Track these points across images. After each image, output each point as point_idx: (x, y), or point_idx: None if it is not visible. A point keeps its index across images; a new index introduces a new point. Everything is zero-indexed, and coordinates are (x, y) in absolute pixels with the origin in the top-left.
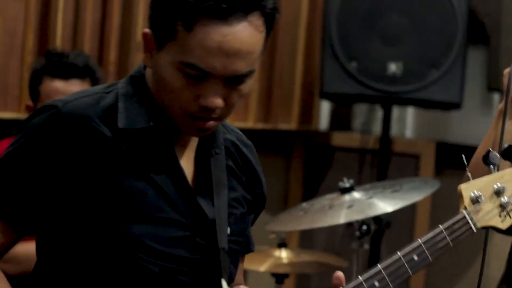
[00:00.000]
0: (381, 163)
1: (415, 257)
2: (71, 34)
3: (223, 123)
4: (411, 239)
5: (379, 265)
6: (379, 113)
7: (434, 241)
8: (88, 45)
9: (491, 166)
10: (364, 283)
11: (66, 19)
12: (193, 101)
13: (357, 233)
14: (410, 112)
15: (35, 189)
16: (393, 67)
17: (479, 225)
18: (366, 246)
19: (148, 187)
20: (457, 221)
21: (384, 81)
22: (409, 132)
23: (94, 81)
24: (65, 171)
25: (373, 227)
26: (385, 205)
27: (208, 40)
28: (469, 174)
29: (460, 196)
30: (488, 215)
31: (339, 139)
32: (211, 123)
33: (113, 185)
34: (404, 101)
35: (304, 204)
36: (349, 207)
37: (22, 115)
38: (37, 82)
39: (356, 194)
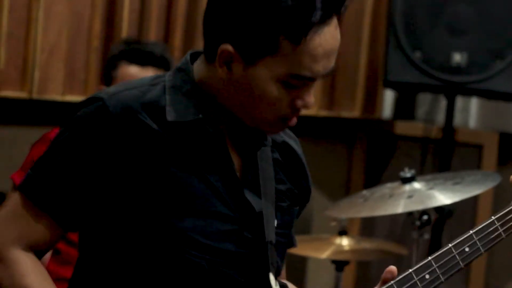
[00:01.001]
0: (444, 153)
1: (467, 249)
2: (137, 19)
3: None
4: None
5: (429, 257)
6: (443, 102)
7: (486, 232)
8: (154, 30)
9: None
10: (414, 276)
11: (132, 4)
12: (289, 105)
13: (418, 223)
14: (474, 102)
15: (80, 183)
16: (457, 57)
17: None
18: (426, 236)
19: (196, 181)
20: (509, 212)
21: (448, 71)
22: (472, 122)
23: None
24: (111, 165)
25: (433, 216)
26: (444, 197)
27: (316, 48)
28: None
29: None
30: None
31: (402, 128)
32: (296, 118)
33: (161, 178)
34: (468, 92)
35: (365, 192)
36: (409, 197)
37: None
38: (112, 66)
39: (416, 185)
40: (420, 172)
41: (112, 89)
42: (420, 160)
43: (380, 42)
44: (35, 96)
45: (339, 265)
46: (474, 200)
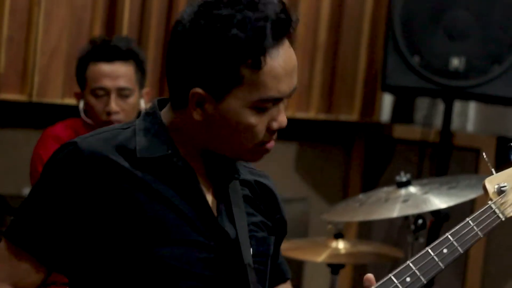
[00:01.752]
0: (442, 157)
1: (445, 250)
2: (137, 22)
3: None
4: None
5: (408, 262)
6: (441, 106)
7: (462, 233)
8: (154, 33)
9: None
10: (394, 279)
11: (132, 7)
12: (265, 130)
13: (412, 227)
14: (472, 106)
15: (61, 224)
16: (455, 62)
17: (506, 213)
18: (421, 240)
19: (170, 212)
20: (483, 212)
21: (446, 75)
22: (470, 126)
23: (138, 63)
24: (86, 204)
25: (429, 220)
26: (439, 201)
27: (276, 68)
28: (492, 169)
29: (485, 190)
30: None
31: (400, 131)
32: (273, 141)
33: (136, 213)
34: (466, 96)
35: (361, 196)
36: (404, 201)
37: None
38: (83, 68)
39: (412, 189)
40: (418, 176)
41: (85, 135)
42: (418, 163)
43: (379, 46)
44: (35, 99)
45: (334, 268)
46: (470, 203)
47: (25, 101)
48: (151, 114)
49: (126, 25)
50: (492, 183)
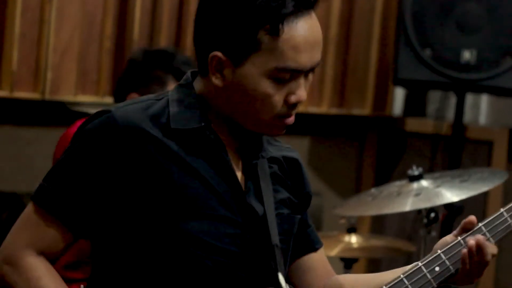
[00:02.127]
0: (454, 150)
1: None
2: (149, 20)
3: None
4: None
5: (438, 250)
6: (453, 99)
7: (496, 223)
8: (165, 31)
9: None
10: (423, 268)
11: (144, 6)
12: (283, 102)
13: (425, 220)
14: (485, 99)
15: (90, 191)
16: (467, 55)
17: None
18: (434, 234)
19: (200, 186)
20: (496, 218)
21: (457, 68)
22: (483, 119)
23: None
24: (118, 173)
25: (441, 213)
26: (451, 195)
27: (296, 38)
28: None
29: None
30: None
31: (413, 125)
32: (293, 117)
33: (166, 184)
34: (477, 89)
35: (373, 190)
36: (416, 195)
37: (100, 99)
38: (159, 81)
39: (424, 182)
40: (431, 169)
41: (120, 104)
42: (431, 157)
43: (390, 40)
44: (47, 97)
45: (347, 262)
46: (483, 196)
47: (38, 99)
48: (184, 86)
49: (138, 23)
50: None
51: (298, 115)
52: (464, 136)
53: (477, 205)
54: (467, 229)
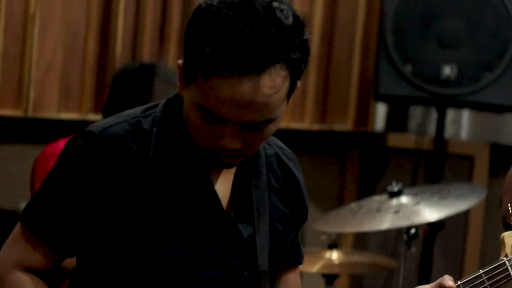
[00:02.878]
0: (436, 164)
1: None
2: (131, 36)
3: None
4: (463, 241)
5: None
6: (435, 114)
7: (473, 284)
8: (147, 48)
9: None
10: None
11: (126, 22)
12: (213, 140)
13: (405, 237)
14: (466, 114)
15: (76, 214)
16: (447, 70)
17: None
18: (414, 250)
19: (180, 210)
20: (497, 267)
21: (438, 84)
22: (464, 134)
23: None
24: (102, 194)
25: (422, 230)
26: (430, 213)
27: (221, 91)
28: None
29: (502, 243)
30: None
31: (395, 140)
32: (234, 159)
33: (147, 208)
34: (458, 104)
35: (353, 205)
36: (396, 212)
37: (83, 116)
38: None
39: (404, 199)
40: (413, 183)
41: (104, 122)
42: (412, 171)
43: (372, 55)
44: (30, 114)
45: (328, 278)
46: (465, 212)
47: (21, 116)
48: (172, 102)
49: (120, 39)
50: (510, 238)
51: (280, 131)
52: (446, 151)
53: (459, 220)
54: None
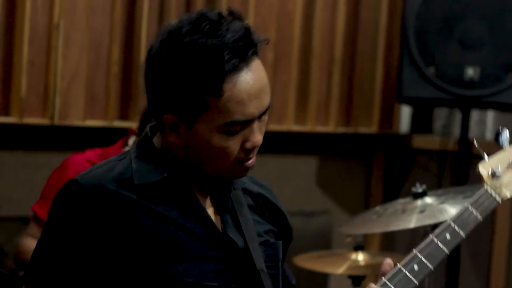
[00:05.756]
0: (461, 165)
1: (448, 236)
2: None
3: None
4: (490, 242)
5: (414, 250)
6: (459, 116)
7: (463, 217)
8: None
9: (504, 143)
10: (403, 269)
11: (150, 30)
12: (241, 148)
13: None
14: (491, 115)
15: (77, 263)
16: (470, 72)
17: (502, 196)
18: None
19: (177, 232)
20: (481, 196)
21: (461, 85)
22: (489, 135)
23: None
24: (97, 236)
25: None
26: (456, 211)
27: (238, 93)
28: (485, 154)
29: (479, 174)
30: (509, 186)
31: (420, 142)
32: (254, 159)
33: (145, 236)
34: (482, 105)
35: (378, 208)
36: (421, 211)
37: (109, 123)
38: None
39: (428, 199)
40: (439, 185)
41: (83, 171)
42: (438, 173)
43: (395, 57)
44: (56, 122)
45: (355, 280)
46: (491, 212)
47: (47, 124)
48: (143, 141)
49: (144, 48)
50: (485, 167)
51: (305, 135)
52: (471, 151)
53: (485, 221)
54: (386, 271)
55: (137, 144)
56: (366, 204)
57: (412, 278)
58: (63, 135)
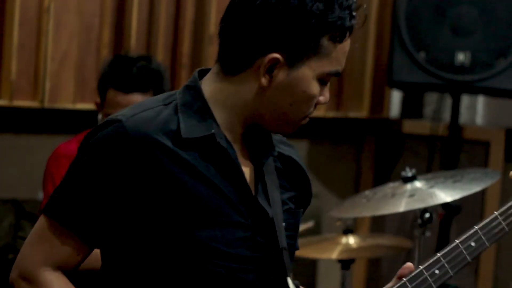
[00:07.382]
0: (451, 150)
1: (472, 244)
2: (145, 28)
3: None
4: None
5: (438, 254)
6: (450, 101)
7: (490, 227)
8: (162, 38)
9: None
10: (424, 271)
11: (140, 13)
12: (313, 102)
13: (419, 221)
14: (481, 100)
15: (103, 202)
16: (461, 57)
17: None
18: (428, 233)
19: (212, 193)
20: (511, 207)
21: (452, 70)
22: (479, 120)
23: (158, 93)
24: (131, 183)
25: (437, 214)
26: (445, 195)
27: (345, 46)
28: None
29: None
30: None
31: (410, 126)
32: None
33: (177, 193)
34: (472, 90)
35: (368, 192)
36: (411, 195)
37: None
38: (103, 87)
39: (418, 184)
40: (428, 170)
41: (128, 110)
42: (428, 158)
43: (386, 43)
44: (46, 105)
45: (345, 263)
46: (481, 196)
47: (37, 107)
48: (192, 88)
49: (135, 31)
50: None
51: None
52: (461, 136)
53: (475, 204)
54: (404, 275)
55: (184, 89)
56: (356, 188)
57: (432, 284)
58: (53, 118)
